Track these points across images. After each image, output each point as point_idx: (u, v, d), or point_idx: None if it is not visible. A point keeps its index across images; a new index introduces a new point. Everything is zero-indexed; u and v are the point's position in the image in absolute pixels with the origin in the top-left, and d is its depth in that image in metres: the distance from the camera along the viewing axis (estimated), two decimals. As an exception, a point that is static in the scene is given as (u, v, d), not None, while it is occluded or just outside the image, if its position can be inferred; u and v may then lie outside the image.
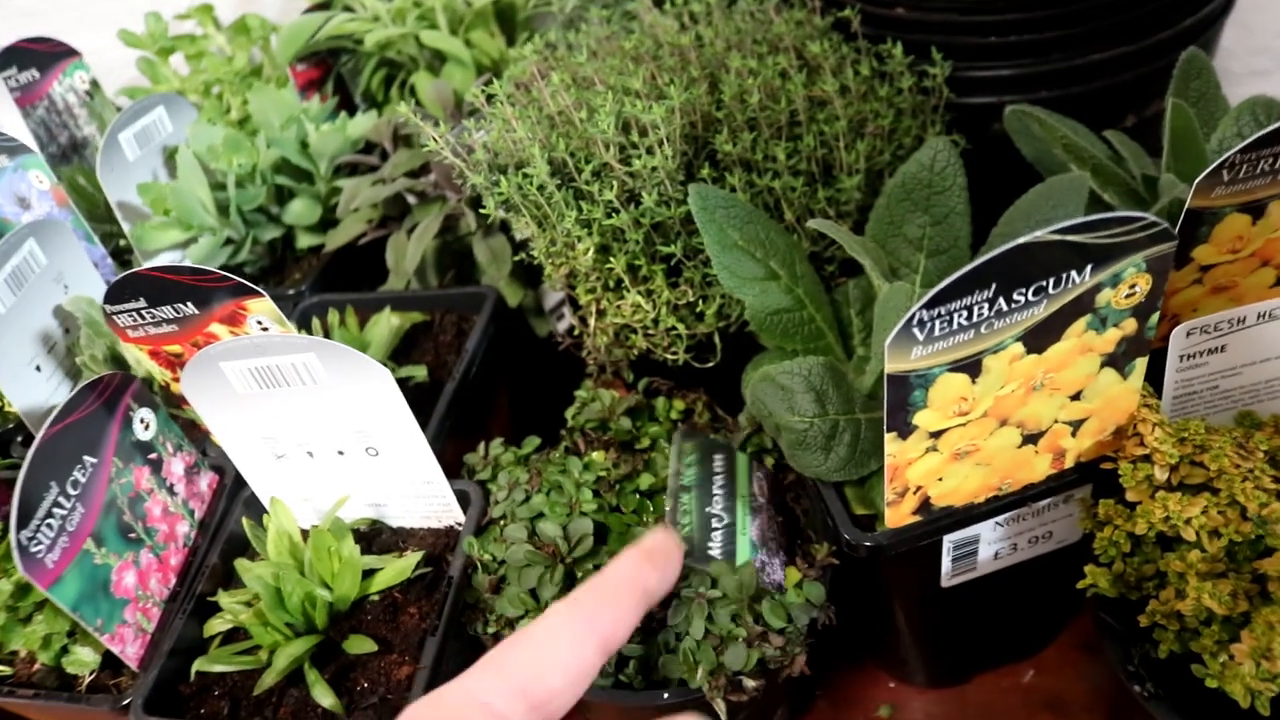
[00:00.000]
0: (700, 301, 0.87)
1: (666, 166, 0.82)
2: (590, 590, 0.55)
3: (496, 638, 0.81)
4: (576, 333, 0.95)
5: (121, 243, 1.21)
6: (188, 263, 0.94)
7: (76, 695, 0.84)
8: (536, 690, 0.50)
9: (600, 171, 0.85)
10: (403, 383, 0.96)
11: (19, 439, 1.06)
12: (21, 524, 0.74)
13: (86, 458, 0.80)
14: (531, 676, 0.50)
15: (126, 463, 0.84)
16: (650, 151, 0.82)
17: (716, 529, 0.79)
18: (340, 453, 0.83)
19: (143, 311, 0.85)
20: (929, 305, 0.61)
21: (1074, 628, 0.96)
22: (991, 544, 0.79)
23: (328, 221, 1.16)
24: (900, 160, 0.93)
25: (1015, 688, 0.94)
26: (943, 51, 0.95)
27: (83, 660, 0.85)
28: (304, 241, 1.16)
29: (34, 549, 0.74)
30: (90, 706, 0.82)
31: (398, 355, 1.01)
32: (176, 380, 0.91)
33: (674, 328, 0.87)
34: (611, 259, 0.86)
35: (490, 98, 0.90)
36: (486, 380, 0.99)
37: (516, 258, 0.98)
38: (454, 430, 0.92)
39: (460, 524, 0.87)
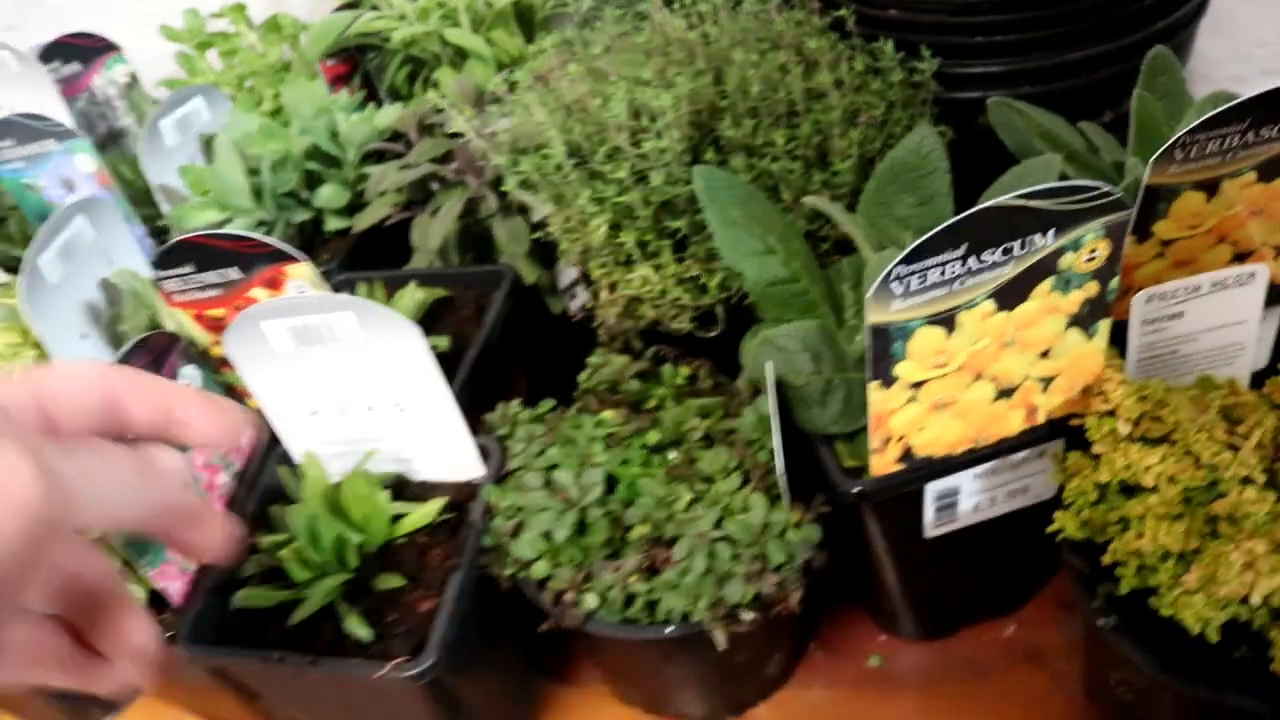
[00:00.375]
0: (704, 275, 0.94)
1: (674, 149, 0.89)
2: (132, 371, 0.51)
3: (513, 578, 0.87)
4: (590, 306, 1.02)
5: (160, 223, 1.29)
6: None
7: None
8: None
9: (612, 153, 0.92)
10: (426, 351, 1.03)
11: (65, 404, 1.14)
12: None
13: None
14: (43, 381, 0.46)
15: None
16: (659, 135, 0.89)
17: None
18: (370, 409, 0.90)
19: (189, 277, 0.93)
20: (906, 261, 0.68)
21: (1052, 587, 1.03)
22: (971, 495, 0.85)
23: (354, 206, 1.23)
24: (891, 148, 1.00)
25: (997, 641, 1.00)
26: (932, 49, 1.02)
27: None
28: (332, 224, 1.23)
29: None
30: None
31: (422, 327, 1.08)
32: (217, 344, 0.99)
33: (680, 299, 0.94)
34: (622, 234, 0.93)
35: (513, 85, 0.98)
36: (504, 350, 1.06)
37: (534, 236, 1.05)
38: (474, 394, 0.99)
39: (480, 477, 0.94)
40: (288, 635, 0.86)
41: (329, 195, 1.21)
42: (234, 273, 0.91)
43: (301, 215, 1.22)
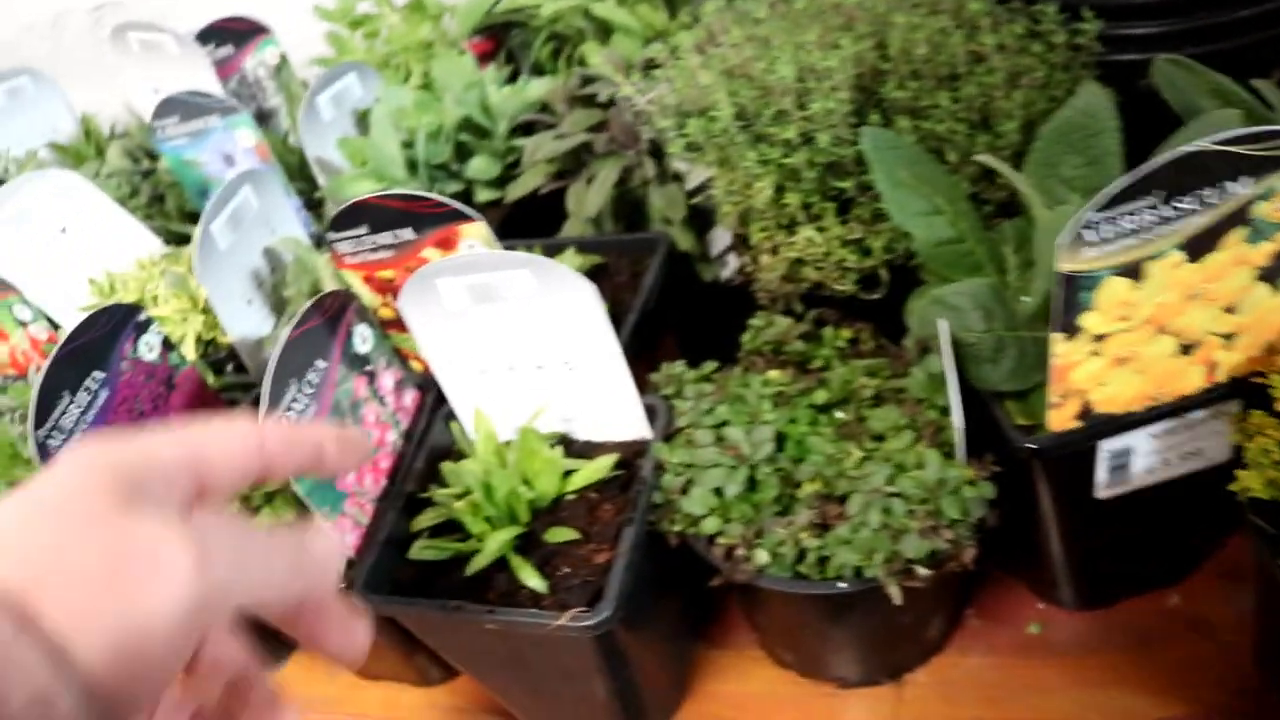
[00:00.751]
0: (869, 236, 0.95)
1: (840, 110, 0.90)
2: (280, 424, 0.53)
3: (682, 535, 0.88)
4: (748, 270, 1.02)
5: (316, 195, 1.32)
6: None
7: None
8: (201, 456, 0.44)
9: (778, 116, 0.93)
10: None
11: (229, 367, 1.17)
12: (269, 413, 0.84)
13: (319, 361, 0.90)
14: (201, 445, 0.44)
15: (349, 371, 0.94)
16: (826, 96, 0.90)
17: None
18: (539, 367, 0.92)
19: (363, 238, 0.95)
20: (1102, 208, 0.67)
21: (1218, 558, 1.01)
22: (1145, 456, 0.84)
23: (504, 178, 1.25)
24: (1053, 111, 0.99)
25: (1161, 610, 0.98)
26: (1094, 10, 1.01)
27: (302, 550, 0.95)
28: (482, 196, 1.25)
29: None
30: (315, 588, 0.92)
31: (579, 292, 1.10)
32: (386, 305, 1.01)
33: (844, 261, 0.95)
34: (787, 196, 0.94)
35: (674, 51, 0.99)
36: (659, 316, 1.07)
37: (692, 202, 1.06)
38: (633, 358, 1.01)
39: (646, 437, 0.95)
40: (461, 586, 0.88)
41: (480, 166, 1.23)
42: (407, 233, 0.93)
43: (453, 186, 1.25)
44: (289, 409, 0.85)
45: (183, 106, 1.27)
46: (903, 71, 0.94)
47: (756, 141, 0.95)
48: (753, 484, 0.88)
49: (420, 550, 0.90)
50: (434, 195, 0.89)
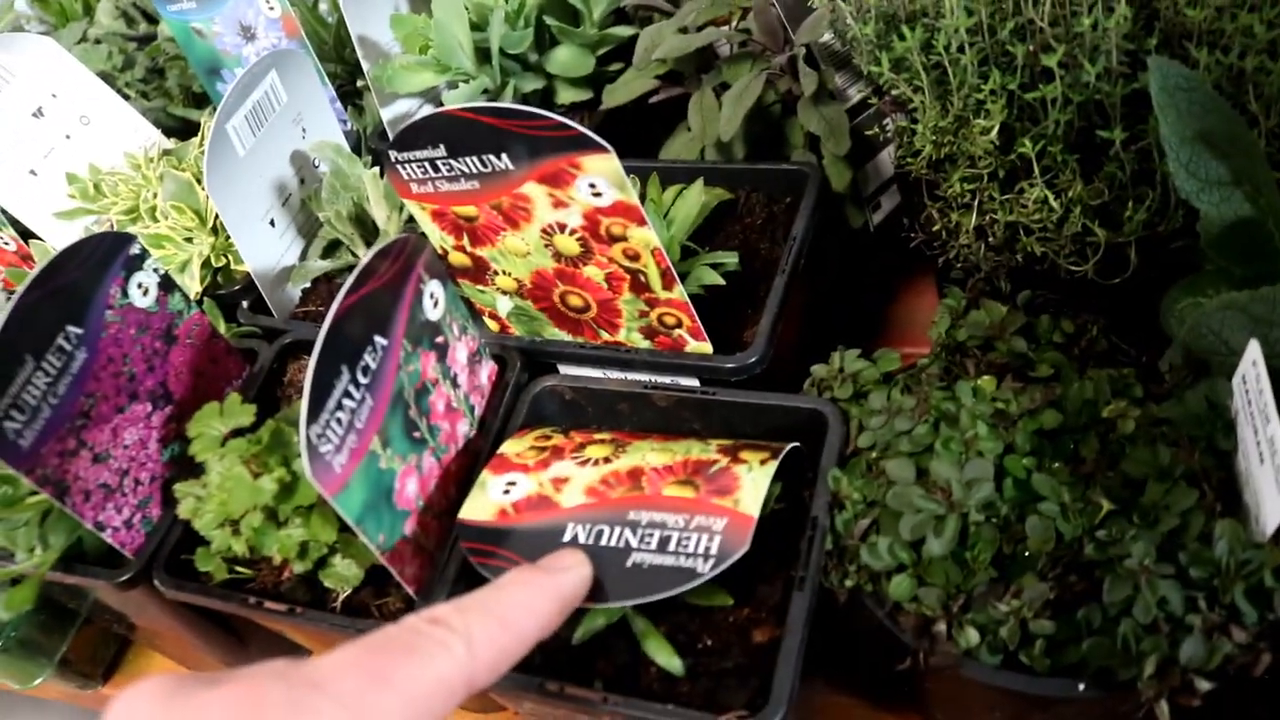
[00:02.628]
0: (1123, 204, 0.70)
1: (1120, 29, 0.64)
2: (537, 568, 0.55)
3: (854, 592, 0.66)
4: (936, 228, 0.78)
5: (358, 84, 1.06)
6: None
7: (336, 615, 0.71)
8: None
9: (1021, 31, 0.68)
10: (712, 269, 0.80)
11: (244, 303, 0.93)
12: (312, 417, 0.59)
13: (377, 338, 0.65)
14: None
15: (415, 346, 0.69)
16: (1104, 9, 0.64)
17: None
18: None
19: (438, 162, 0.70)
20: None
21: None
22: None
23: (596, 76, 0.99)
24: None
25: None
26: None
27: (342, 575, 0.72)
28: (565, 96, 1.00)
29: (323, 449, 0.60)
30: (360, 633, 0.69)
31: (700, 235, 0.85)
32: (459, 249, 0.76)
33: (1088, 231, 0.70)
34: (1019, 141, 0.69)
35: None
36: (811, 275, 0.83)
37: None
38: (784, 333, 0.77)
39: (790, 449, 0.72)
40: (560, 649, 0.65)
41: (567, 59, 0.97)
42: (503, 160, 0.68)
43: (531, 83, 0.99)
44: (335, 417, 0.61)
45: (192, -40, 1.01)
46: (1195, -19, 0.69)
47: (982, 64, 0.69)
48: (964, 535, 0.65)
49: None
50: (550, 114, 0.64)
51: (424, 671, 0.45)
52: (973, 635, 0.63)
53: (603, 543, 0.63)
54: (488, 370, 0.79)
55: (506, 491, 0.69)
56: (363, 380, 0.64)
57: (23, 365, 0.68)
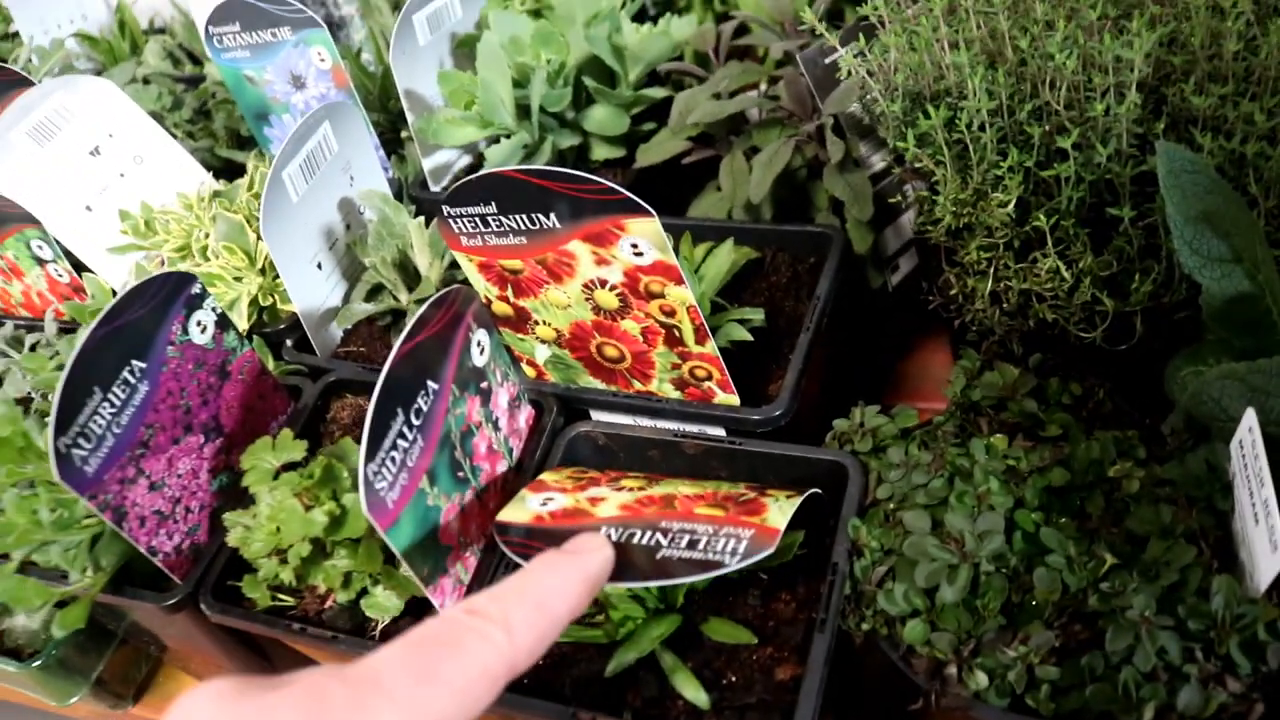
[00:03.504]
0: (1130, 276, 0.74)
1: (1130, 114, 0.69)
2: (562, 552, 0.56)
3: (870, 635, 0.70)
4: (954, 292, 0.82)
5: (402, 134, 1.11)
6: (480, 162, 0.83)
7: (375, 643, 0.75)
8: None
9: (1039, 113, 0.72)
10: (740, 325, 0.84)
11: (289, 341, 0.97)
12: (370, 456, 0.63)
13: (430, 383, 0.70)
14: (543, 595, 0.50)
15: (463, 391, 0.74)
16: (1116, 96, 0.69)
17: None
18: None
19: (489, 218, 0.74)
20: None
21: None
22: None
23: (630, 136, 1.04)
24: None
25: None
26: None
27: (383, 605, 0.76)
28: (600, 153, 1.04)
29: (378, 485, 0.64)
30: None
31: (728, 291, 0.90)
32: (503, 299, 0.81)
33: (1096, 301, 0.75)
34: (1033, 215, 0.73)
35: (899, 12, 0.77)
36: (833, 334, 0.87)
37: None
38: (808, 389, 0.81)
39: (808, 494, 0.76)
40: (591, 681, 0.69)
41: (603, 119, 1.02)
42: (550, 219, 0.72)
43: (568, 140, 1.04)
44: (389, 456, 0.65)
45: (246, 12, 1.05)
46: (1203, 71, 0.73)
47: (1001, 142, 0.74)
48: (975, 584, 0.68)
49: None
50: (597, 179, 0.68)
51: (469, 663, 0.46)
52: (982, 679, 0.66)
53: (634, 541, 0.65)
54: (526, 414, 0.83)
55: (544, 504, 0.73)
56: (415, 422, 0.68)
57: (91, 396, 0.72)
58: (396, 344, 0.66)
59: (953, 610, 0.68)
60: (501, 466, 0.79)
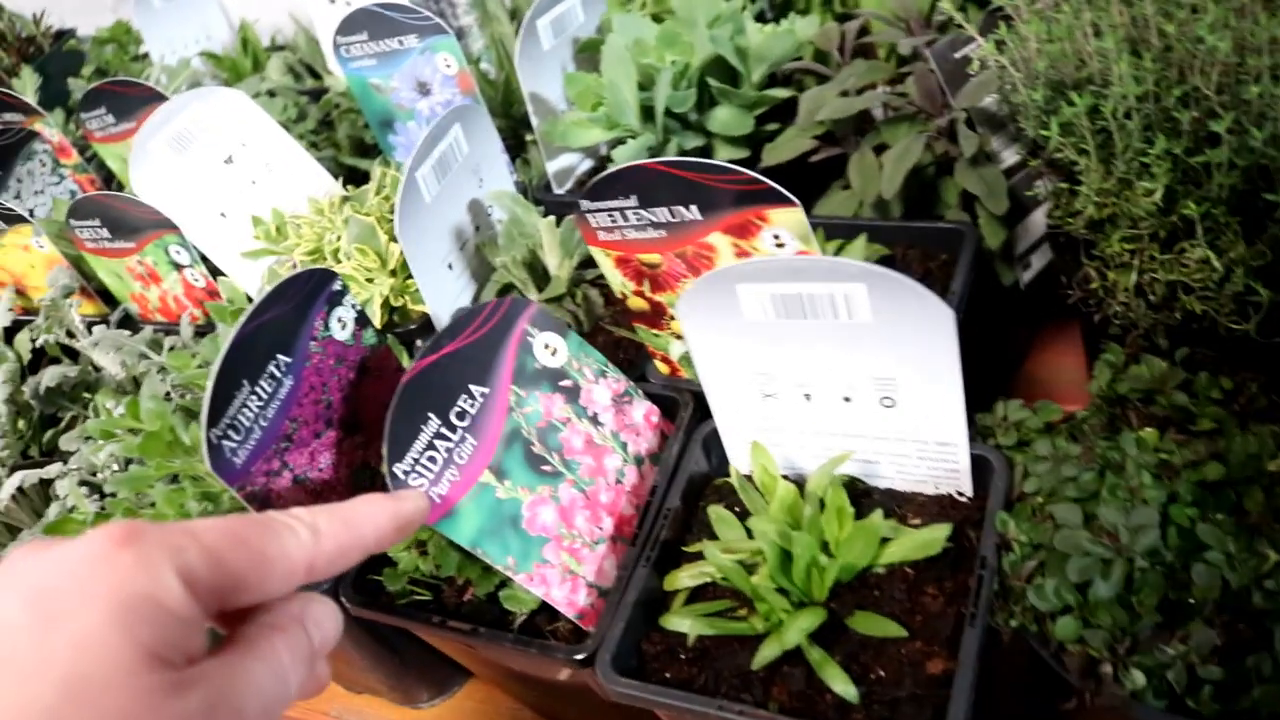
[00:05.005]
0: (1285, 264, 0.73)
1: (1286, 96, 0.67)
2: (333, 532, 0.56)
3: (1018, 631, 0.68)
4: (1094, 286, 0.80)
5: (528, 137, 1.12)
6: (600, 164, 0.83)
7: (522, 638, 0.75)
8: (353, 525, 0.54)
9: (1187, 98, 0.71)
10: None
11: (418, 341, 0.98)
12: (397, 457, 0.67)
13: (474, 387, 0.73)
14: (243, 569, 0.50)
15: (530, 391, 0.76)
16: (1273, 77, 0.67)
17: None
18: (846, 399, 0.72)
19: (628, 211, 0.75)
20: None
21: None
22: None
23: (753, 136, 1.04)
24: None
25: None
26: None
27: (521, 598, 0.76)
28: (723, 154, 1.04)
29: (414, 483, 0.68)
30: (541, 654, 0.73)
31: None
32: (638, 294, 0.81)
33: (1250, 291, 0.73)
34: (1181, 204, 0.72)
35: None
36: (967, 332, 0.86)
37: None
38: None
39: (964, 493, 0.74)
40: (733, 674, 0.69)
41: (727, 119, 1.02)
42: (691, 212, 0.72)
43: (692, 141, 1.04)
44: (426, 454, 0.69)
45: (374, 21, 1.07)
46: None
47: (1147, 129, 0.72)
48: (1129, 581, 0.67)
49: (678, 619, 0.71)
50: (742, 169, 0.68)
51: (273, 542, 0.50)
52: (1139, 678, 0.64)
53: None
54: (643, 410, 0.83)
55: None
56: (459, 423, 0.71)
57: (240, 389, 0.73)
58: (414, 361, 0.70)
59: (1107, 606, 0.66)
60: (612, 460, 0.79)
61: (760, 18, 1.16)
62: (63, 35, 1.72)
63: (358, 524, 0.55)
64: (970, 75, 0.85)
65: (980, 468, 0.74)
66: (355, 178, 1.22)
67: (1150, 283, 0.77)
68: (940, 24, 0.98)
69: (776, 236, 0.71)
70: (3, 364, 1.04)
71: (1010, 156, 0.92)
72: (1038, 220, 0.95)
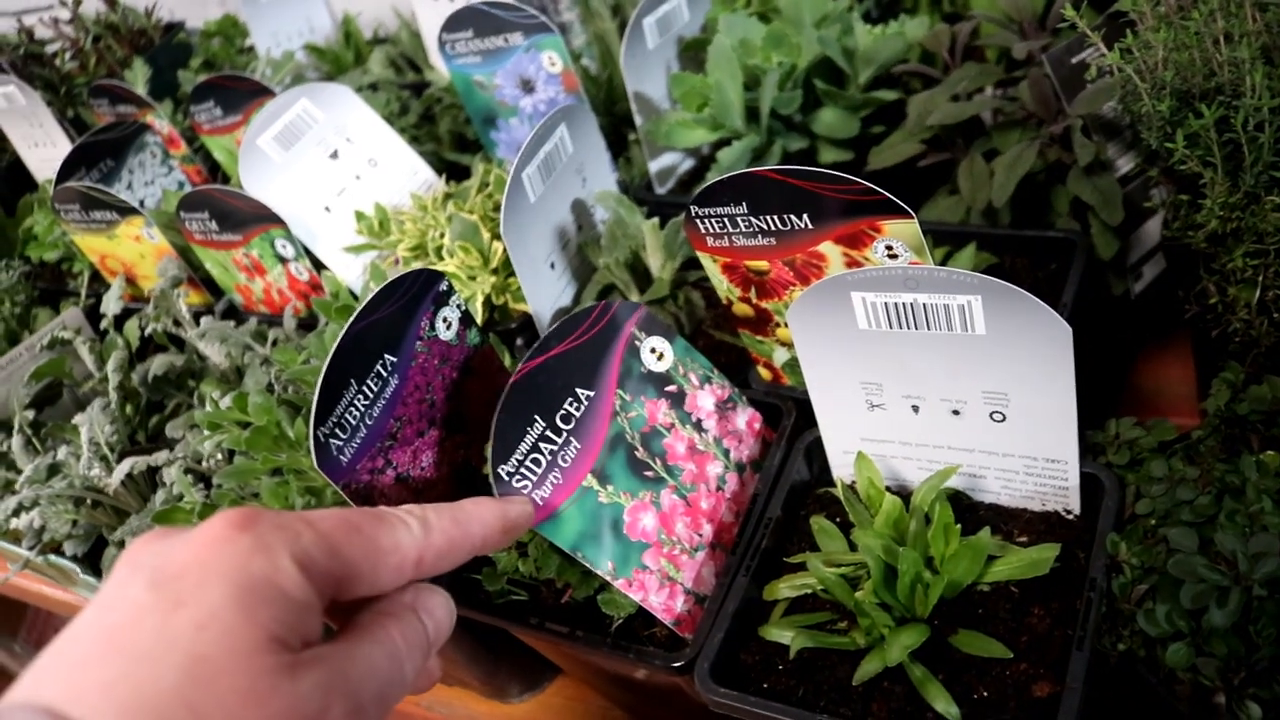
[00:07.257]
0: None
1: None
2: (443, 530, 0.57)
3: (1126, 656, 0.67)
4: (1213, 301, 0.78)
5: (632, 136, 1.12)
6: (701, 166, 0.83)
7: (620, 644, 0.75)
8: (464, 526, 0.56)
9: (1318, 108, 0.69)
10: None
11: (519, 340, 0.99)
12: (502, 459, 0.68)
13: (580, 390, 0.72)
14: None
15: (635, 395, 0.75)
16: None
17: None
18: (955, 412, 0.70)
19: (738, 218, 0.74)
20: None
21: None
22: None
23: (859, 139, 1.02)
24: None
25: None
26: None
27: (619, 602, 0.76)
28: (827, 156, 1.03)
29: (518, 484, 0.68)
30: (638, 660, 0.73)
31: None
32: (744, 300, 0.80)
33: (1380, 310, 0.70)
34: (1311, 217, 0.69)
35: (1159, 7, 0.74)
36: (1075, 340, 0.84)
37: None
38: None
39: (1070, 511, 0.73)
40: (833, 688, 0.68)
41: (832, 121, 1.01)
42: (803, 220, 0.72)
43: (797, 143, 1.03)
44: (530, 457, 0.69)
45: (481, 19, 1.08)
46: None
47: (1277, 142, 0.70)
48: (1247, 612, 0.65)
49: (779, 631, 0.71)
50: (855, 179, 0.67)
51: (386, 533, 0.51)
52: (1255, 711, 0.63)
53: None
54: (746, 417, 0.83)
55: None
56: (564, 426, 0.71)
57: (348, 388, 0.74)
58: (519, 364, 0.70)
59: (1222, 635, 0.64)
60: (714, 467, 0.79)
61: (866, 18, 1.15)
62: (172, 28, 1.76)
63: (466, 523, 0.57)
64: (1087, 81, 0.83)
65: (1089, 486, 0.72)
66: (456, 173, 1.23)
67: (1275, 299, 0.75)
68: (1054, 28, 0.96)
69: (889, 247, 0.70)
70: (114, 352, 1.06)
71: (1124, 164, 0.90)
72: (1151, 230, 0.92)
